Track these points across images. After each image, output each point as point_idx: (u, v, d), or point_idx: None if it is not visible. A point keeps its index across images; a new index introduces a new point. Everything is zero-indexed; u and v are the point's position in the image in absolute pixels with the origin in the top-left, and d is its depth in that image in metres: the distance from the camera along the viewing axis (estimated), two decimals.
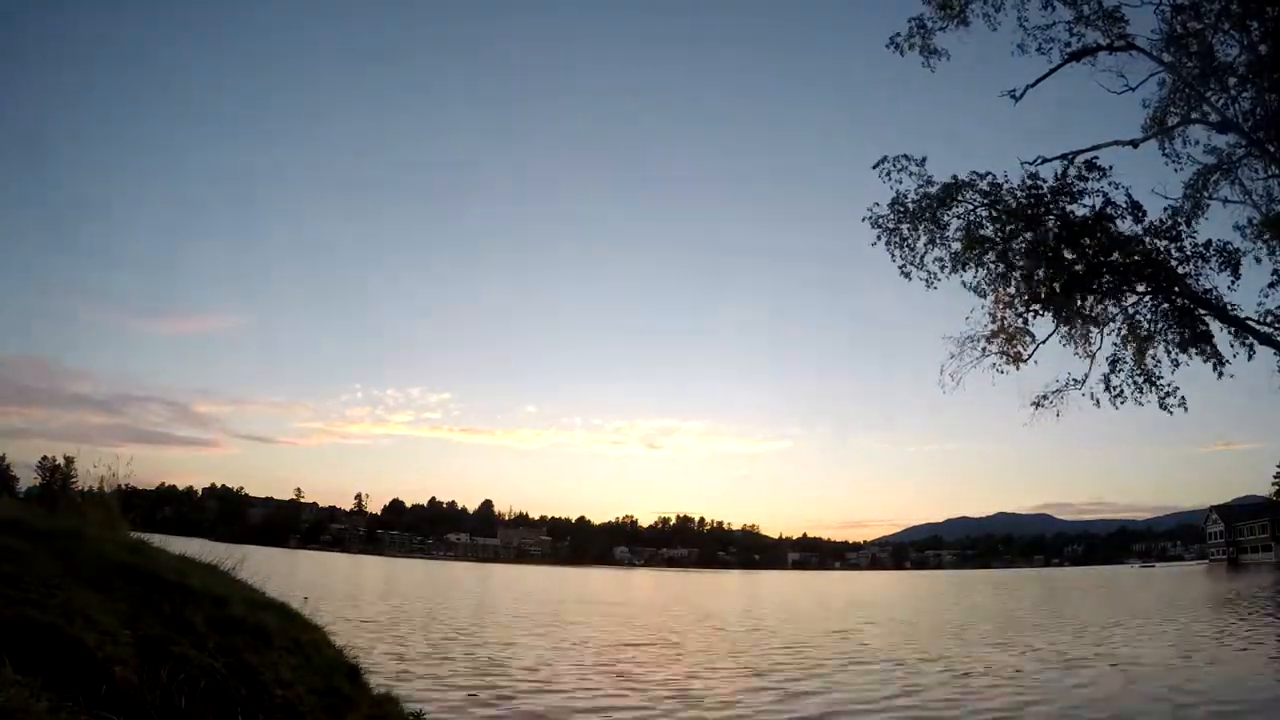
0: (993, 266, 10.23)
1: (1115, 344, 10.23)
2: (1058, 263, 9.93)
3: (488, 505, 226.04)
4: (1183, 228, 10.21)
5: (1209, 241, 10.07)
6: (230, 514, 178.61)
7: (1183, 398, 9.93)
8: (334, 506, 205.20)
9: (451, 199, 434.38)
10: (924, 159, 10.33)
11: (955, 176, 10.22)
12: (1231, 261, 9.95)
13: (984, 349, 10.70)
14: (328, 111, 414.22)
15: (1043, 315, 10.33)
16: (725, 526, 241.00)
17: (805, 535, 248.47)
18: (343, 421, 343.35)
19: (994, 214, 10.09)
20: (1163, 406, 9.96)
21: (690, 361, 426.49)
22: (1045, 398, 10.70)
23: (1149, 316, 10.03)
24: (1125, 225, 9.95)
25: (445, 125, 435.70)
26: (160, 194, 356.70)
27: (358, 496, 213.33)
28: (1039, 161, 10.25)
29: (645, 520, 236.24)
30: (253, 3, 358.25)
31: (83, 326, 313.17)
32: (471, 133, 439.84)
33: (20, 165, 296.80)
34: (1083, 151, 10.25)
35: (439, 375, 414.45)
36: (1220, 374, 9.59)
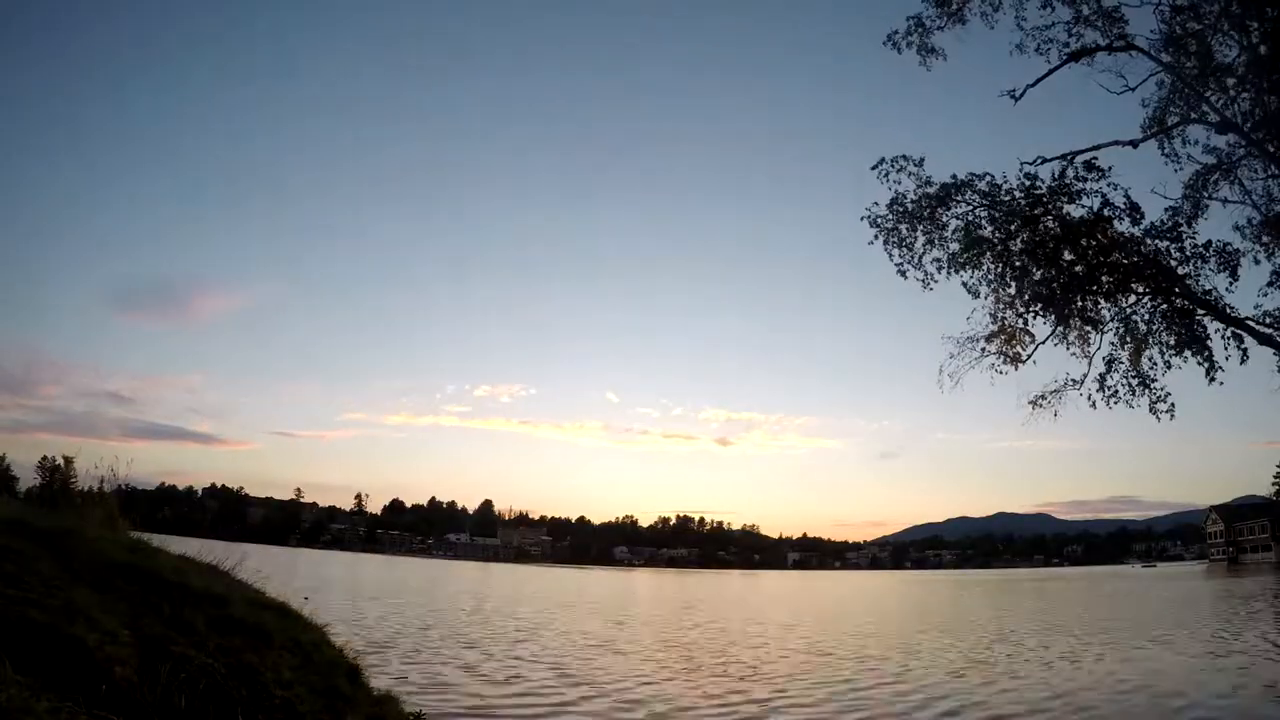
0: (991, 267, 10.24)
1: (1113, 344, 10.25)
2: (1056, 263, 9.94)
3: (488, 505, 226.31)
4: (1182, 228, 10.21)
5: (1208, 242, 10.09)
6: (230, 514, 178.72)
7: (1172, 404, 9.94)
8: (334, 506, 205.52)
9: (511, 194, 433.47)
10: (922, 159, 10.36)
11: (954, 176, 10.24)
12: (1231, 262, 9.96)
13: (983, 349, 10.72)
14: (372, 103, 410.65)
15: (1042, 316, 10.34)
16: (725, 526, 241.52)
17: (805, 535, 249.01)
18: (386, 413, 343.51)
19: (993, 214, 10.10)
20: (1152, 411, 9.97)
21: (746, 361, 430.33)
22: (1043, 397, 10.72)
23: (1146, 318, 10.04)
24: (1124, 226, 9.96)
25: (493, 124, 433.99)
26: (191, 184, 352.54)
27: (358, 496, 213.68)
28: (1038, 162, 10.26)
29: (645, 520, 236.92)
30: None
31: (96, 319, 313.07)
32: (521, 129, 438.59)
33: (25, 152, 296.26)
34: (1082, 152, 10.26)
35: (503, 370, 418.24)
36: (1212, 379, 9.59)
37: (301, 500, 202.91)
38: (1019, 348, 10.67)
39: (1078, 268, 9.97)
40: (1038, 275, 10.05)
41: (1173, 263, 9.95)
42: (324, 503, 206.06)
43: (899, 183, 10.37)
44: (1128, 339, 10.16)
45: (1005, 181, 10.12)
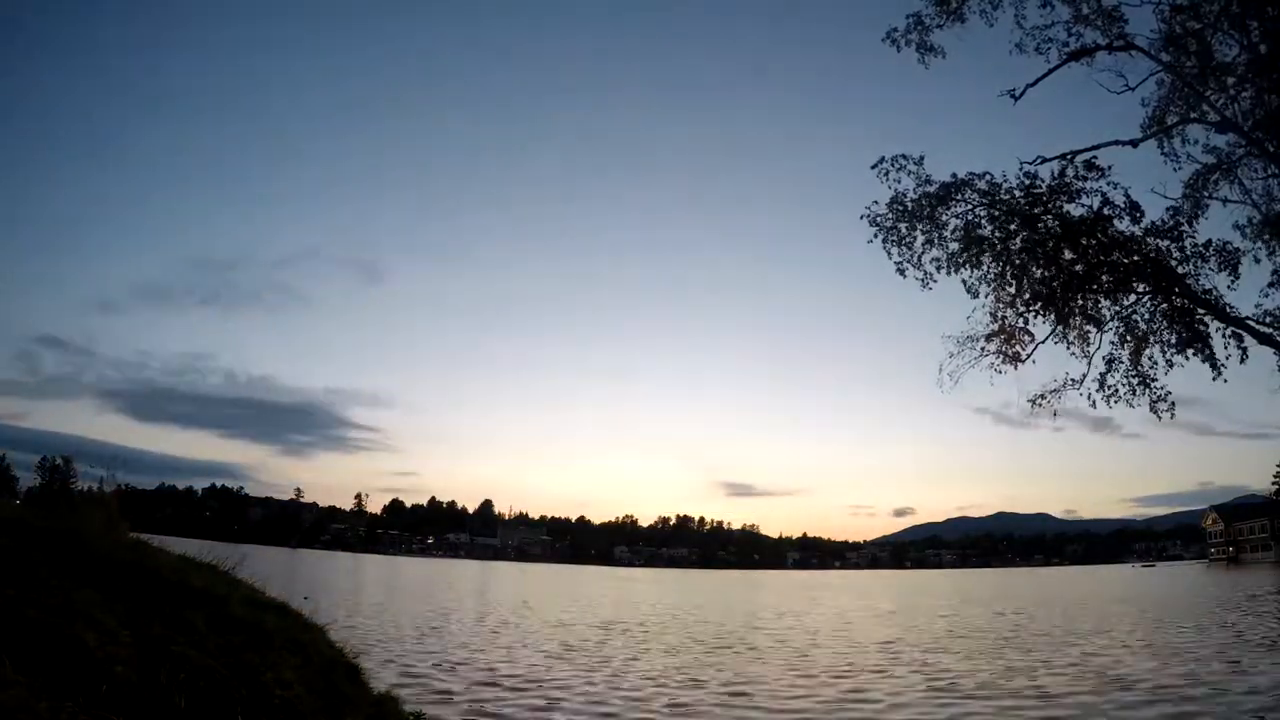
0: (991, 266, 10.22)
1: (1113, 343, 10.23)
2: (1056, 262, 9.92)
3: (488, 505, 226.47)
4: (1182, 227, 10.19)
5: (1209, 241, 10.05)
6: (230, 514, 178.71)
7: (1173, 403, 9.91)
8: (334, 506, 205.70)
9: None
10: (922, 158, 10.33)
11: (954, 175, 10.22)
12: (1231, 261, 9.94)
13: (983, 349, 10.69)
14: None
15: (1042, 315, 10.31)
16: (725, 526, 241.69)
17: (805, 535, 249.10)
18: None
19: (992, 214, 10.08)
20: (1153, 410, 9.95)
21: None
22: (1043, 397, 10.69)
23: (1146, 317, 10.02)
24: (1124, 225, 9.93)
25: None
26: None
27: (357, 496, 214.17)
28: (1038, 161, 10.23)
29: (645, 520, 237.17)
30: None
31: None
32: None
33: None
34: (1082, 151, 10.23)
35: None
36: (1216, 376, 9.59)
37: (302, 500, 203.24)
38: (1019, 347, 10.64)
39: (1078, 267, 9.94)
40: (1037, 274, 10.02)
41: (1173, 262, 9.92)
42: (324, 503, 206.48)
43: (899, 181, 10.35)
44: (1128, 338, 10.14)
45: (1005, 181, 10.09)
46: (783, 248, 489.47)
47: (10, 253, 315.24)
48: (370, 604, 29.91)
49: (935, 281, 10.49)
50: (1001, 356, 10.67)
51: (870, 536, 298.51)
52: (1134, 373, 10.07)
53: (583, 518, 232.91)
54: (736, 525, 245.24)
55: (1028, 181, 10.02)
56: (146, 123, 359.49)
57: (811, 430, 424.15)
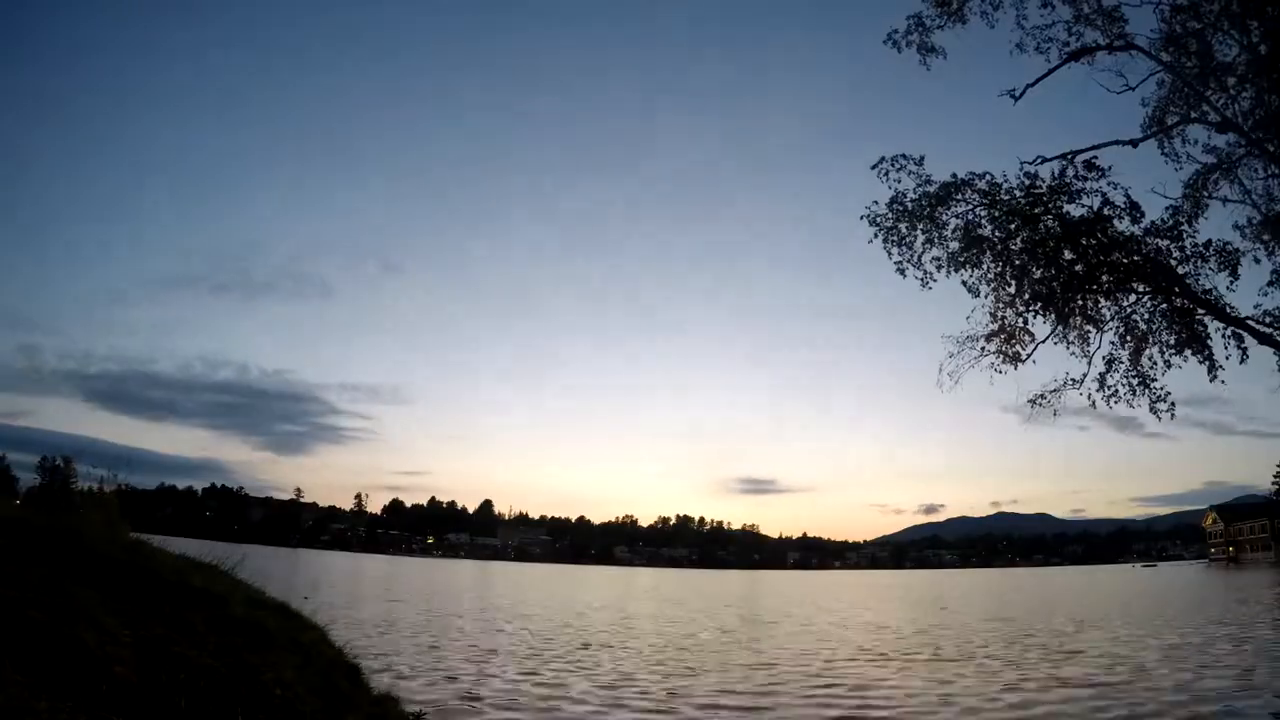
0: (991, 266, 10.22)
1: (1113, 343, 10.24)
2: (1056, 262, 9.92)
3: (488, 505, 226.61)
4: (1182, 227, 10.19)
5: (1209, 241, 10.05)
6: (230, 514, 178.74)
7: (1173, 403, 9.91)
8: (334, 506, 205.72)
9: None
10: (922, 158, 10.32)
11: (954, 175, 10.21)
12: (1231, 261, 9.94)
13: (983, 348, 10.69)
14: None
15: (1042, 315, 10.31)
16: (725, 526, 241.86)
17: (805, 535, 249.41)
18: None
19: (992, 214, 10.08)
20: (1152, 410, 9.95)
21: None
22: (1043, 397, 10.70)
23: (1146, 317, 10.03)
24: (1124, 225, 9.93)
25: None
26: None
27: (357, 496, 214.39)
28: (1038, 161, 10.23)
29: (645, 520, 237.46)
30: None
31: None
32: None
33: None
34: (1082, 151, 10.23)
35: None
36: (1213, 377, 9.60)
37: (302, 500, 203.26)
38: (1019, 347, 10.65)
39: (1078, 267, 9.94)
40: (1037, 274, 10.02)
41: (1173, 262, 9.93)
42: (324, 503, 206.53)
43: (899, 181, 10.35)
44: (1128, 338, 10.15)
45: (1005, 181, 10.09)
46: (793, 245, 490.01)
47: (11, 247, 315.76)
48: (370, 604, 29.92)
49: (935, 281, 10.49)
50: (1001, 356, 10.68)
51: (894, 532, 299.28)
52: (1134, 373, 10.08)
53: (583, 518, 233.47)
54: (736, 525, 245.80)
55: (1028, 181, 10.02)
56: (153, 116, 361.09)
57: (834, 427, 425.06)
